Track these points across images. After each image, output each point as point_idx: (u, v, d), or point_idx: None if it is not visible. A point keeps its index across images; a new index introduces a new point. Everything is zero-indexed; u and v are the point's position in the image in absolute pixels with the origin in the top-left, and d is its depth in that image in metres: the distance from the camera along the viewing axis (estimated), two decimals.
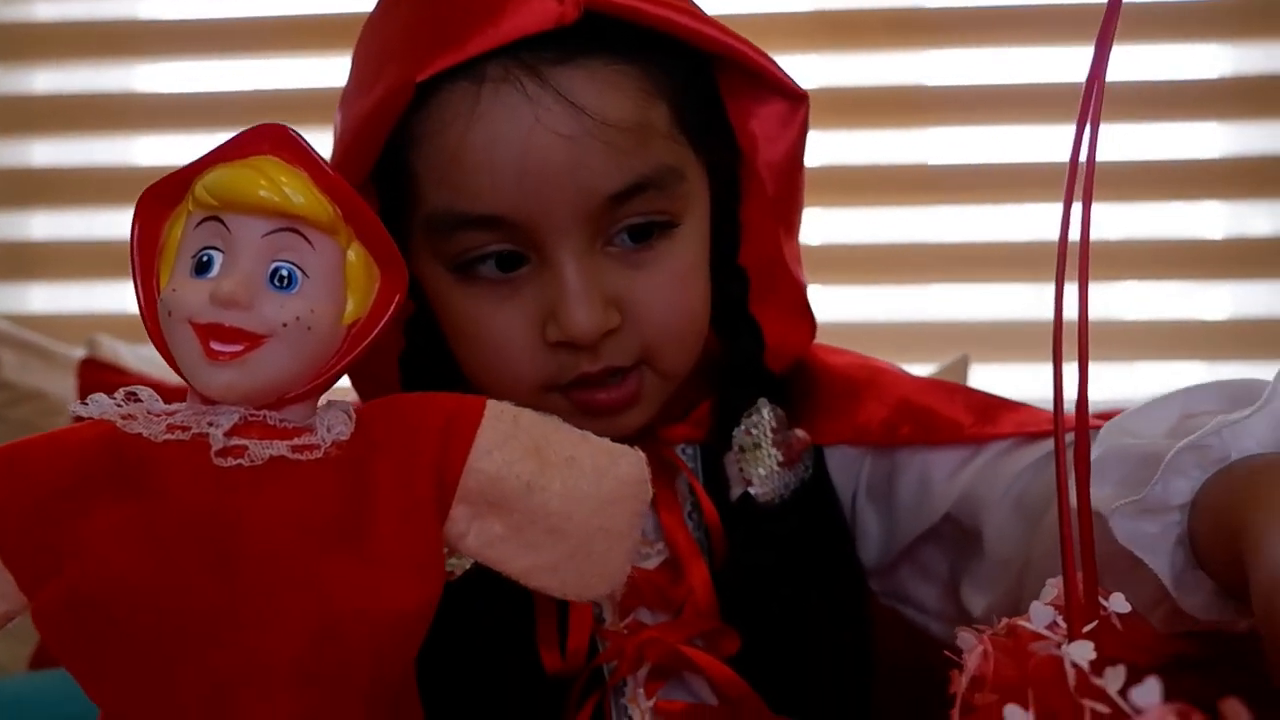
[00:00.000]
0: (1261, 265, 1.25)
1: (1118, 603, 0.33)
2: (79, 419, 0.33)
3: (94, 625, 0.31)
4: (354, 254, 0.33)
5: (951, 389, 0.63)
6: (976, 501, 0.57)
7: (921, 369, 1.14)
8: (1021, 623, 0.31)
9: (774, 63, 0.56)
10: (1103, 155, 1.24)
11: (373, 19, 0.57)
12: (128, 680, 0.31)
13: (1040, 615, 0.29)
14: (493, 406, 0.35)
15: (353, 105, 0.55)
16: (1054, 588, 0.33)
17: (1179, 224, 1.29)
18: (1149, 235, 1.29)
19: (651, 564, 0.56)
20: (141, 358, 1.12)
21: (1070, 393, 0.35)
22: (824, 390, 0.62)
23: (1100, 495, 0.43)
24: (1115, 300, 1.31)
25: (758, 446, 0.57)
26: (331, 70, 1.38)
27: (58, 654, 0.32)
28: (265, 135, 0.32)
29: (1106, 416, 0.52)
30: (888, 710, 0.63)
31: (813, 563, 0.59)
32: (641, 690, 0.54)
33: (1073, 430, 0.36)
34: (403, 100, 0.50)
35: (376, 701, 0.33)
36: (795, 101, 0.57)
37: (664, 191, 0.52)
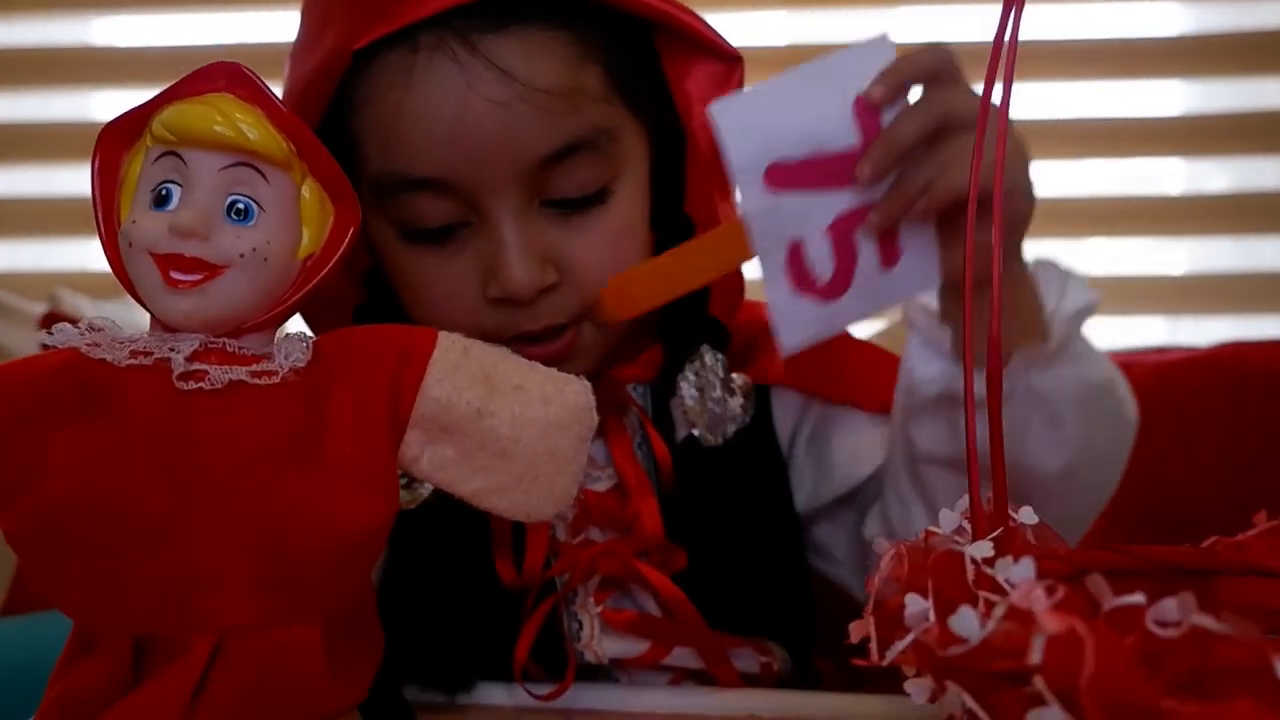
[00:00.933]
0: (1220, 221, 1.28)
1: (1026, 514, 0.36)
2: (46, 348, 0.34)
3: (60, 541, 0.33)
4: (308, 189, 0.34)
5: (891, 362, 0.66)
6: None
7: (872, 323, 1.17)
8: (932, 528, 0.33)
9: (707, 25, 0.58)
10: (1064, 112, 1.26)
11: None
12: (94, 590, 0.33)
13: (947, 521, 0.32)
14: (444, 337, 0.37)
15: (297, 64, 0.56)
16: (964, 499, 0.35)
17: (1139, 181, 1.32)
18: (1110, 192, 1.32)
19: (601, 486, 0.59)
20: (103, 314, 1.13)
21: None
22: (768, 336, 0.64)
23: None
24: (1076, 256, 1.34)
25: (700, 391, 0.60)
26: (288, 25, 1.38)
27: (29, 569, 0.34)
28: (221, 73, 0.33)
29: None
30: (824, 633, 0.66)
31: (752, 497, 0.62)
32: (591, 599, 0.58)
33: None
34: (340, 67, 0.52)
35: (332, 613, 0.35)
36: (730, 63, 0.59)
37: (597, 152, 0.54)
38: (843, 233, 0.55)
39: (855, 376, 0.65)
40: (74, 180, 1.41)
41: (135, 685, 0.33)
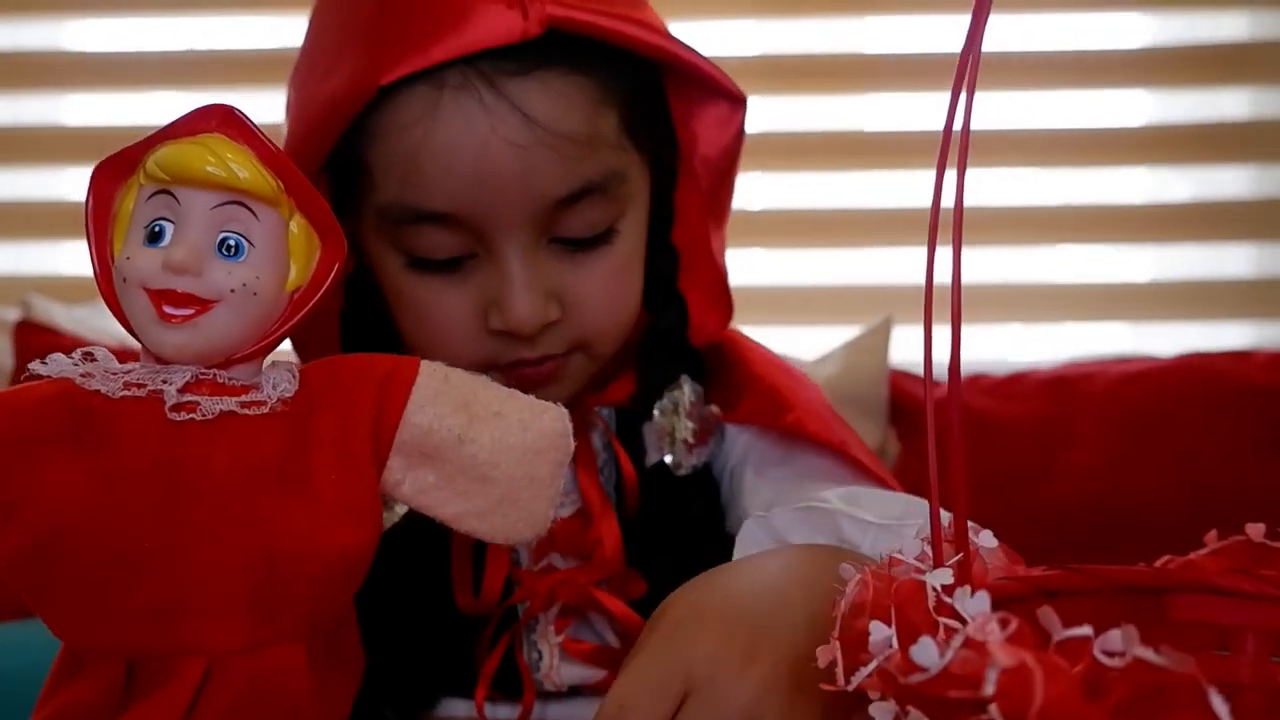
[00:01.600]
0: (1182, 229, 1.31)
1: (986, 539, 0.38)
2: (35, 377, 0.35)
3: (50, 564, 0.34)
4: (296, 225, 0.36)
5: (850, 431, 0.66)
6: None
7: (847, 331, 1.19)
8: (896, 554, 0.35)
9: (717, 68, 0.60)
10: (1029, 122, 1.29)
11: (324, 6, 0.59)
12: (83, 612, 0.34)
13: (911, 548, 0.34)
14: (425, 365, 0.38)
15: (309, 88, 0.57)
16: (926, 524, 0.37)
17: (1103, 189, 1.35)
18: (1074, 200, 1.34)
19: (565, 511, 0.60)
20: (74, 318, 1.13)
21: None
22: (744, 377, 0.66)
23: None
24: (1042, 263, 1.38)
25: (677, 419, 0.62)
26: (260, 31, 1.38)
27: (21, 594, 0.34)
28: (212, 114, 0.34)
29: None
30: None
31: (712, 526, 0.63)
32: (551, 627, 0.59)
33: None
34: (363, 100, 0.52)
35: (317, 634, 0.36)
36: (735, 103, 0.61)
37: (607, 194, 0.56)
38: None
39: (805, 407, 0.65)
40: (45, 184, 1.40)
41: (126, 706, 0.34)
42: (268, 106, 1.46)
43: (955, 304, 0.41)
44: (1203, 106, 1.32)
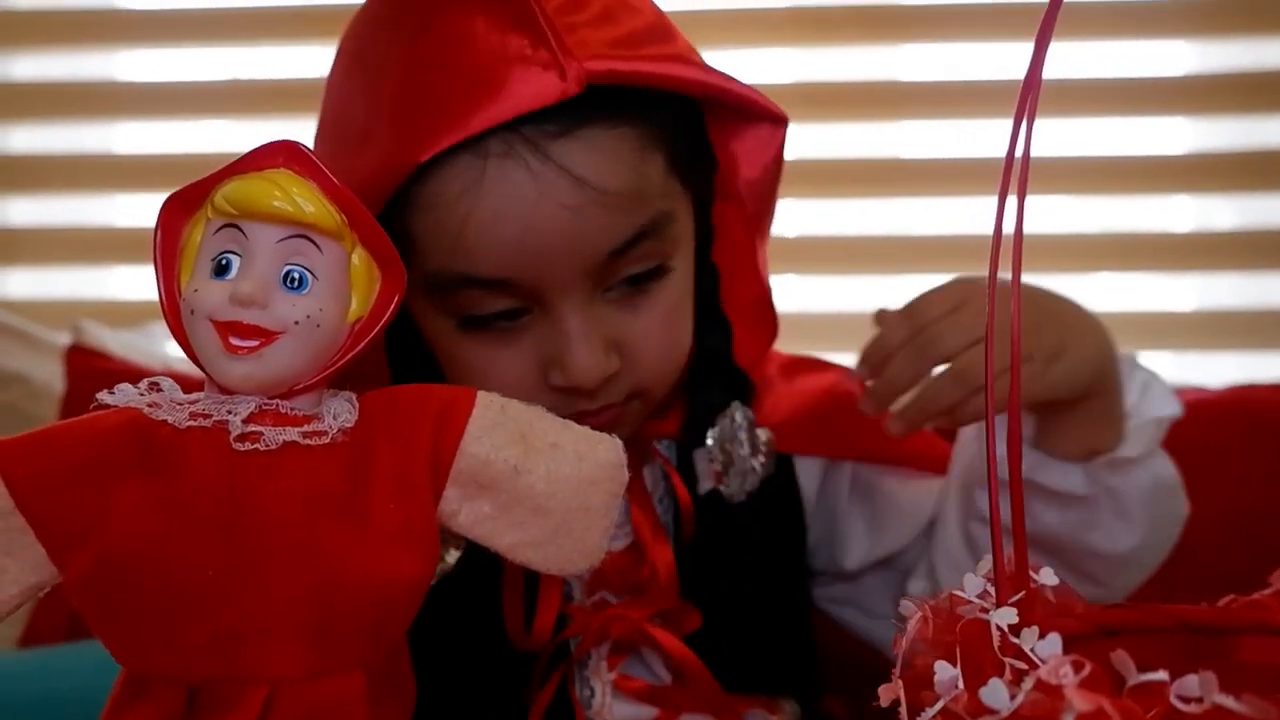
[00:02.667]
0: (1226, 258, 1.29)
1: (1046, 575, 0.37)
2: (104, 406, 0.36)
3: (118, 591, 0.34)
4: (357, 257, 0.36)
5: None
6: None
7: None
8: (956, 593, 0.35)
9: (755, 91, 0.59)
10: (1072, 150, 1.27)
11: (357, 61, 0.57)
12: (148, 639, 0.35)
13: (972, 585, 0.33)
14: (482, 396, 0.39)
15: (339, 160, 0.53)
16: (987, 561, 0.37)
17: (1147, 217, 1.34)
18: (1118, 229, 1.33)
19: (617, 545, 0.59)
20: (124, 343, 1.14)
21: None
22: (797, 405, 0.66)
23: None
24: (1085, 292, 1.36)
25: (729, 445, 0.61)
26: (308, 60, 1.40)
27: (86, 618, 0.35)
28: (279, 150, 0.35)
29: None
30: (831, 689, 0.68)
31: (769, 553, 0.63)
32: (604, 664, 0.58)
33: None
34: (402, 177, 0.50)
35: (374, 664, 0.37)
36: (776, 123, 0.60)
37: (659, 237, 0.55)
38: None
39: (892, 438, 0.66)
40: (96, 210, 1.43)
41: None
42: (307, 134, 1.48)
43: (1015, 335, 0.40)
44: (1246, 134, 1.31)
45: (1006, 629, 0.29)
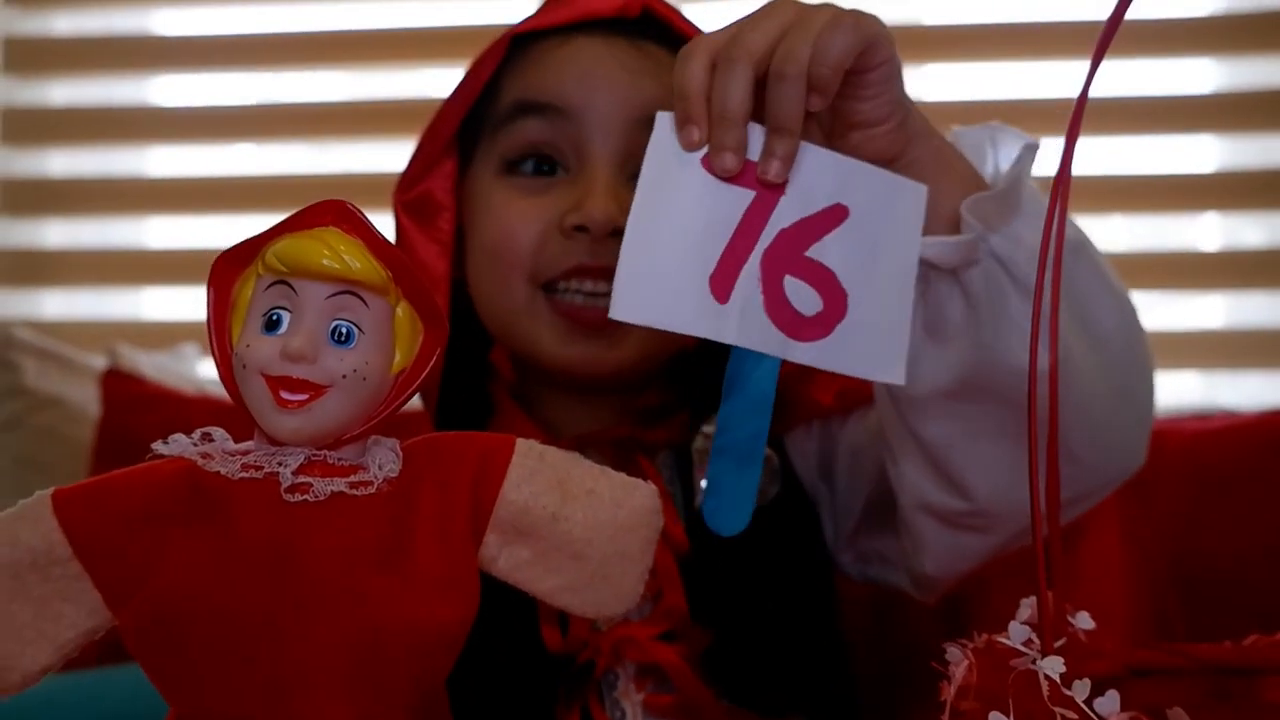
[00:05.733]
0: (1255, 275, 1.28)
1: (1083, 620, 0.38)
2: (158, 456, 0.37)
3: (170, 637, 0.35)
4: (402, 310, 0.37)
5: None
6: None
7: None
8: (1000, 639, 0.35)
9: None
10: (1100, 169, 1.27)
11: None
12: (199, 683, 0.36)
13: (1017, 633, 0.34)
14: (521, 444, 0.39)
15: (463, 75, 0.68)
16: (1028, 607, 0.37)
17: (1175, 236, 1.33)
18: (1145, 247, 1.33)
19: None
20: (157, 365, 1.16)
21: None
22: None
23: None
24: None
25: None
26: (338, 84, 1.42)
27: (139, 660, 0.36)
28: (328, 210, 0.36)
29: None
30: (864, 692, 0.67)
31: (780, 568, 0.63)
32: (632, 685, 0.59)
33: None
34: (499, 51, 0.65)
35: (416, 707, 0.37)
36: None
37: None
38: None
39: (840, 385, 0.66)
40: (128, 232, 1.45)
41: None
42: (341, 158, 1.49)
43: (1052, 362, 0.41)
44: (1275, 151, 1.30)
45: (1058, 679, 0.30)
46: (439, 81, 1.33)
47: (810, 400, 0.66)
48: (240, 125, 1.40)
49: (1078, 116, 0.38)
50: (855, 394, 0.66)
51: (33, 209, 1.44)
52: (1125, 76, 1.30)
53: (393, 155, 1.33)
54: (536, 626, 0.58)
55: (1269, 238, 1.32)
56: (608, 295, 0.54)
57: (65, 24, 1.46)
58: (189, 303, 1.40)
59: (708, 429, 0.63)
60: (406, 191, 0.67)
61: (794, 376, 0.65)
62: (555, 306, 0.62)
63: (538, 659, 0.58)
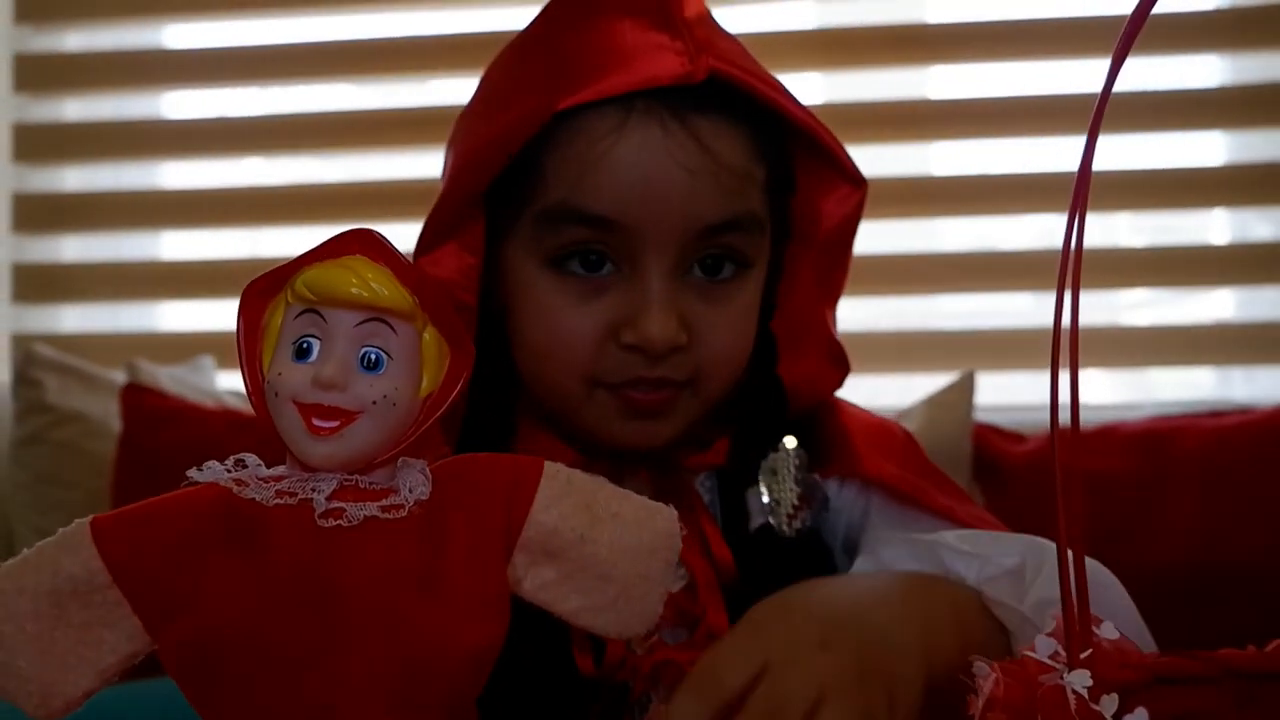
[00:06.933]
0: (1265, 270, 1.29)
1: (1108, 630, 0.38)
2: (193, 483, 0.38)
3: (211, 662, 0.36)
4: (429, 335, 0.38)
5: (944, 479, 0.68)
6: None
7: (928, 379, 1.19)
8: (1027, 653, 0.36)
9: (843, 148, 0.64)
10: (1111, 165, 1.28)
11: (501, 62, 0.65)
12: (239, 708, 0.36)
13: (1043, 646, 0.34)
14: (549, 467, 0.40)
15: (478, 126, 0.63)
16: (1054, 620, 0.38)
17: (1185, 231, 1.33)
18: (1155, 243, 1.33)
19: (675, 587, 0.61)
20: (174, 379, 1.17)
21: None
22: (840, 434, 0.67)
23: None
24: (1123, 307, 1.36)
25: (780, 482, 0.63)
26: (350, 95, 1.43)
27: (180, 686, 0.37)
28: (355, 238, 0.37)
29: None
30: None
31: None
32: (665, 707, 0.59)
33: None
34: (540, 122, 0.58)
35: None
36: (856, 185, 0.64)
37: (748, 236, 0.60)
38: None
39: (923, 476, 0.66)
40: (143, 246, 1.47)
41: None
42: (352, 169, 1.50)
43: (1073, 377, 0.41)
44: None
45: (1085, 693, 0.30)
46: (451, 91, 1.34)
47: (850, 455, 0.65)
48: (253, 137, 1.41)
49: (1098, 116, 0.38)
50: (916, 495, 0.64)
51: (48, 225, 1.45)
52: (1133, 72, 1.30)
53: (406, 165, 1.35)
54: (569, 648, 0.58)
55: (1277, 231, 1.32)
56: (665, 386, 0.58)
57: (77, 40, 1.47)
58: (205, 315, 1.41)
59: (789, 442, 0.63)
60: (424, 254, 0.62)
61: (857, 441, 0.65)
62: (619, 396, 0.60)
63: (571, 680, 0.58)
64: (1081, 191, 0.40)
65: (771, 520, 0.62)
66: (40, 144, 1.44)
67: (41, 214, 1.44)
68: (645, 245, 0.58)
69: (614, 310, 0.58)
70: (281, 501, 0.36)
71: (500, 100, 0.62)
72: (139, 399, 1.09)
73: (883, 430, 0.69)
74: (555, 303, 0.59)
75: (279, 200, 1.39)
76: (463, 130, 0.64)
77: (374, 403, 0.36)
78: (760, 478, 0.63)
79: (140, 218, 1.44)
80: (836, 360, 0.67)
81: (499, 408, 0.63)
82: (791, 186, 0.64)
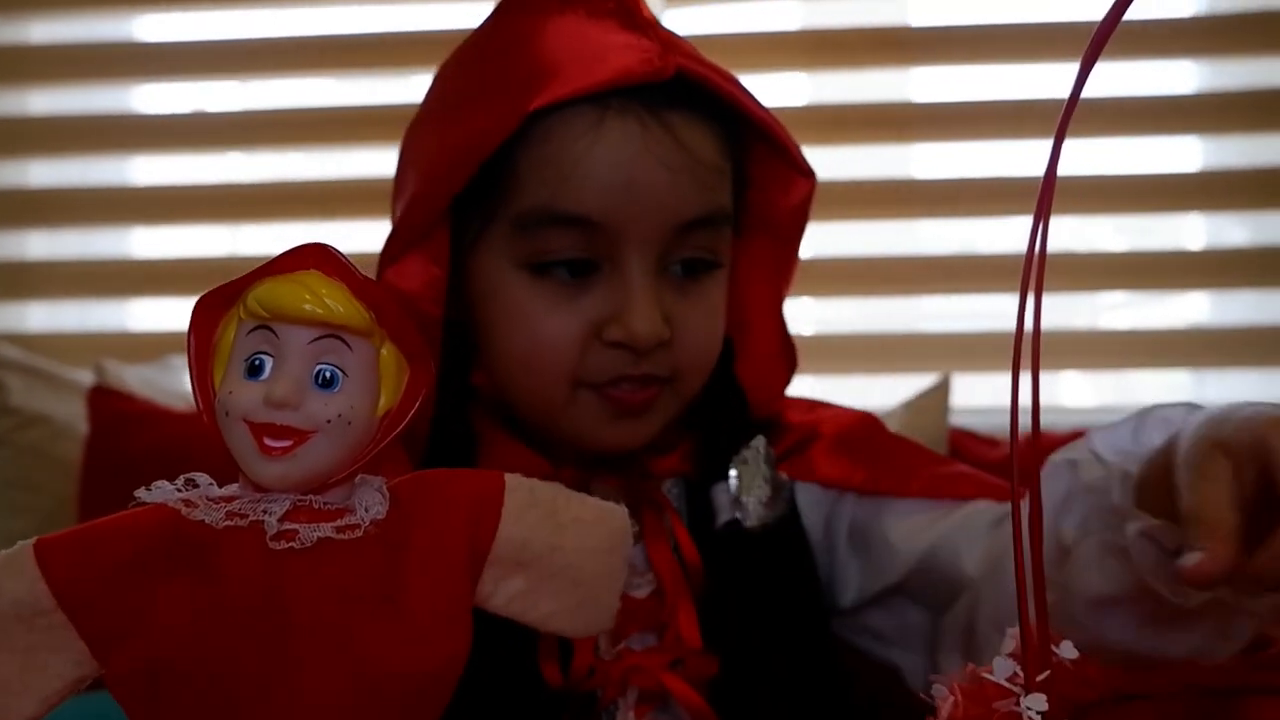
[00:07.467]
0: (1239, 274, 1.30)
1: (1067, 649, 0.38)
2: (140, 503, 0.37)
3: (160, 689, 0.35)
4: (386, 351, 0.37)
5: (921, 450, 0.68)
6: (950, 556, 0.62)
7: (905, 381, 1.19)
8: (984, 674, 0.35)
9: (795, 144, 0.65)
10: (1084, 169, 1.28)
11: (455, 66, 0.65)
12: None
13: (1001, 667, 0.34)
14: (510, 479, 0.39)
15: (445, 129, 0.61)
16: (1013, 639, 0.37)
17: (1159, 235, 1.34)
18: (1130, 247, 1.33)
19: (642, 593, 0.61)
20: (143, 379, 1.16)
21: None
22: (799, 436, 0.67)
23: (1066, 525, 0.48)
24: (1099, 310, 1.37)
25: (751, 478, 0.63)
26: (325, 90, 1.41)
27: (127, 712, 0.36)
28: (309, 254, 0.36)
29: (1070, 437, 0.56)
30: None
31: (785, 594, 0.64)
32: (632, 714, 0.59)
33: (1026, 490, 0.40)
34: (513, 125, 0.57)
35: None
36: (805, 176, 0.65)
37: (719, 231, 0.61)
38: None
39: (889, 465, 0.67)
40: (112, 243, 1.44)
41: None
42: (332, 166, 1.48)
43: (1034, 383, 0.40)
44: (1258, 151, 1.31)
45: (1039, 718, 0.29)
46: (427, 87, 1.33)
47: (821, 461, 0.66)
48: (225, 132, 1.39)
49: (1065, 120, 0.38)
50: (875, 474, 0.65)
51: (13, 220, 1.42)
52: (1109, 78, 1.30)
53: (388, 161, 1.32)
54: (535, 660, 0.58)
55: (1253, 236, 1.32)
56: (650, 383, 0.59)
57: (43, 31, 1.44)
58: (175, 313, 1.39)
59: (756, 443, 0.64)
60: (390, 265, 0.61)
61: (815, 437, 0.66)
62: (604, 396, 0.59)
63: (538, 692, 0.58)
64: (1046, 196, 0.39)
65: (738, 515, 0.62)
66: (5, 137, 1.41)
67: (7, 209, 1.42)
68: (628, 243, 0.58)
69: (596, 309, 0.58)
70: (232, 523, 0.35)
71: (463, 105, 0.61)
72: (106, 402, 1.07)
73: (851, 426, 0.69)
74: (535, 307, 0.59)
75: (255, 197, 1.37)
76: (422, 138, 0.63)
77: (328, 421, 0.35)
78: (732, 468, 0.63)
79: (110, 213, 1.41)
80: (786, 356, 0.67)
81: (464, 419, 0.62)
82: (745, 182, 0.65)
